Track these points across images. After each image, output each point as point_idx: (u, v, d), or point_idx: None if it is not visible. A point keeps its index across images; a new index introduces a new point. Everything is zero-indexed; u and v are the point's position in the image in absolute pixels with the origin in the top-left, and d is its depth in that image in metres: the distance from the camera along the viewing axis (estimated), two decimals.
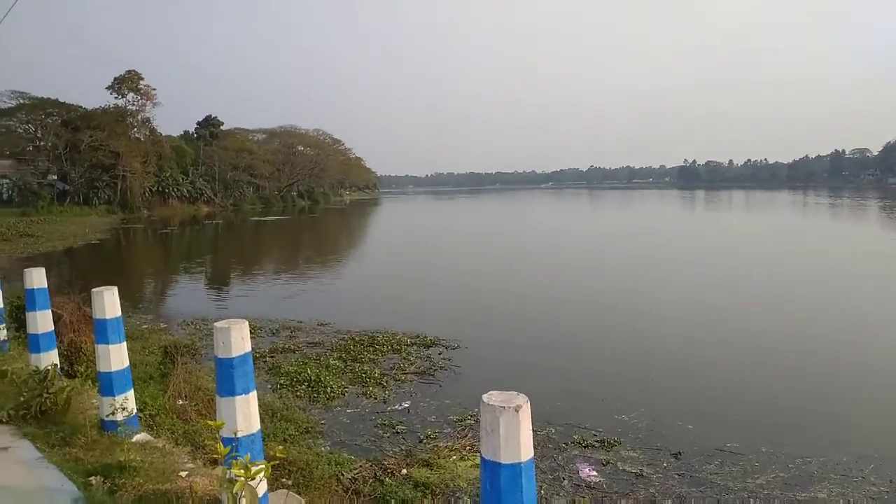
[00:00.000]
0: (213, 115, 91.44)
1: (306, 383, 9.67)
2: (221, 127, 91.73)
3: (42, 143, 67.49)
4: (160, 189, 74.32)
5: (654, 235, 38.06)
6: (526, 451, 1.80)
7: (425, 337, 12.40)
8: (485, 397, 1.86)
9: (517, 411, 1.79)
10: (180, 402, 7.29)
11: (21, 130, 69.96)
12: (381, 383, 9.72)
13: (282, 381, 9.62)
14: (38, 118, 67.52)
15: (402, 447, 7.32)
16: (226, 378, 2.90)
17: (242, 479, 2.20)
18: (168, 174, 75.08)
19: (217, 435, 2.56)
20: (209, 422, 2.69)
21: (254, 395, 3.00)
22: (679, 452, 7.18)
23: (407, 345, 11.93)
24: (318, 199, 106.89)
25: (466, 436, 7.62)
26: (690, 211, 70.08)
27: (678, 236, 37.90)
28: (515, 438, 1.79)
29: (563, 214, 67.42)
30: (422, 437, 7.67)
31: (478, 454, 7.13)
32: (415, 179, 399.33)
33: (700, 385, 9.88)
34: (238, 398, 2.88)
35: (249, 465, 2.23)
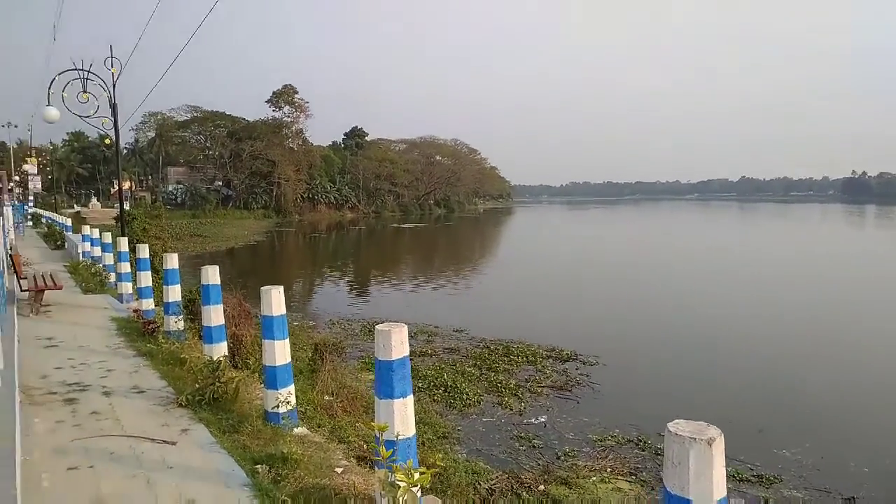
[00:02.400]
0: (358, 127, 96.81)
1: (443, 388, 9.81)
2: (366, 137, 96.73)
3: (210, 153, 75.21)
4: (310, 195, 79.68)
5: (824, 256, 34.51)
6: (719, 490, 1.64)
7: (561, 350, 12.14)
8: (671, 426, 1.72)
9: (710, 444, 1.63)
10: (327, 398, 7.67)
11: (194, 141, 78.62)
12: (516, 394, 9.63)
13: (419, 385, 9.81)
14: (208, 130, 75.40)
15: (539, 462, 7.18)
16: (385, 380, 2.97)
17: (405, 484, 2.22)
18: (318, 182, 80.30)
19: (380, 437, 2.62)
20: (372, 423, 2.77)
21: (411, 398, 3.04)
22: (853, 498, 6.39)
23: (543, 357, 11.74)
24: (454, 208, 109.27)
25: (607, 457, 7.32)
26: (860, 229, 62.72)
27: (853, 259, 33.46)
28: (707, 475, 1.63)
29: (711, 228, 63.27)
30: (559, 453, 7.48)
31: (619, 477, 6.84)
32: (549, 189, 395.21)
33: (877, 424, 8.76)
34: (396, 401, 2.94)
35: (413, 472, 2.24)
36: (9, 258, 9.86)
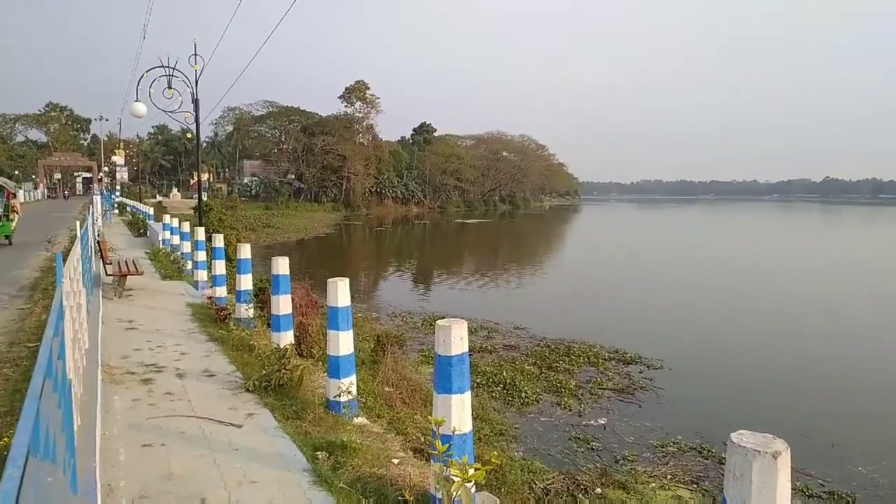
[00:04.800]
0: (427, 122, 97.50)
1: (501, 385, 9.80)
2: (434, 133, 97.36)
3: (284, 147, 77.52)
4: (378, 190, 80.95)
5: None
6: None
7: (625, 353, 11.88)
8: (734, 437, 1.67)
9: (774, 458, 1.57)
10: (387, 389, 7.80)
11: (269, 135, 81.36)
12: (576, 395, 9.51)
13: (478, 381, 9.82)
14: (283, 124, 77.84)
15: (597, 464, 7.07)
16: (444, 375, 3.00)
17: (459, 479, 2.24)
18: (385, 176, 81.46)
19: (437, 431, 2.65)
20: (429, 417, 2.81)
21: (468, 395, 3.07)
22: None
23: (605, 359, 11.53)
24: (519, 204, 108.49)
25: (668, 464, 7.14)
26: None
27: None
28: (770, 489, 1.57)
29: (793, 232, 60.27)
30: (618, 457, 7.34)
31: (680, 485, 6.65)
32: (619, 186, 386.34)
33: None
34: (454, 396, 2.97)
35: (468, 467, 2.26)
36: (96, 244, 10.52)
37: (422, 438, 5.80)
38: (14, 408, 4.96)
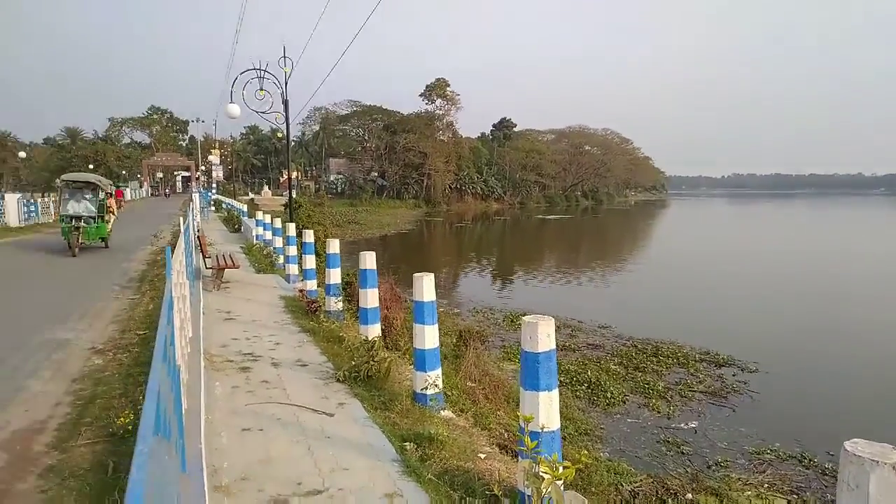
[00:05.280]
0: (507, 118, 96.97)
1: (586, 384, 9.64)
2: (514, 128, 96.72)
3: (368, 145, 79.36)
4: (458, 186, 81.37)
5: None
6: None
7: (717, 354, 11.39)
8: (848, 445, 1.56)
9: (894, 469, 1.46)
10: (470, 384, 7.85)
11: (353, 134, 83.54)
12: (665, 397, 9.21)
13: (562, 379, 9.68)
14: (366, 123, 79.67)
15: (688, 469, 6.82)
16: (531, 372, 2.98)
17: (549, 476, 2.23)
18: (465, 173, 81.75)
19: (525, 427, 2.64)
20: (518, 413, 2.80)
21: (556, 392, 3.04)
22: None
23: (695, 360, 11.10)
24: (602, 200, 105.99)
25: (765, 471, 6.79)
26: None
27: None
28: (889, 502, 1.47)
29: None
30: (710, 462, 7.06)
31: (778, 495, 6.31)
32: (709, 180, 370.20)
33: None
34: (542, 394, 2.94)
35: (557, 465, 2.24)
36: (196, 239, 11.16)
37: (505, 434, 5.79)
38: (127, 390, 5.36)
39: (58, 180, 17.18)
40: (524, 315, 3.29)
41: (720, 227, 58.97)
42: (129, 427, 4.33)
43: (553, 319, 3.14)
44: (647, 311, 16.65)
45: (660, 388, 9.55)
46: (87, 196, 15.22)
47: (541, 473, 2.34)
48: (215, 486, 3.37)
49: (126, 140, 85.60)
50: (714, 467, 6.92)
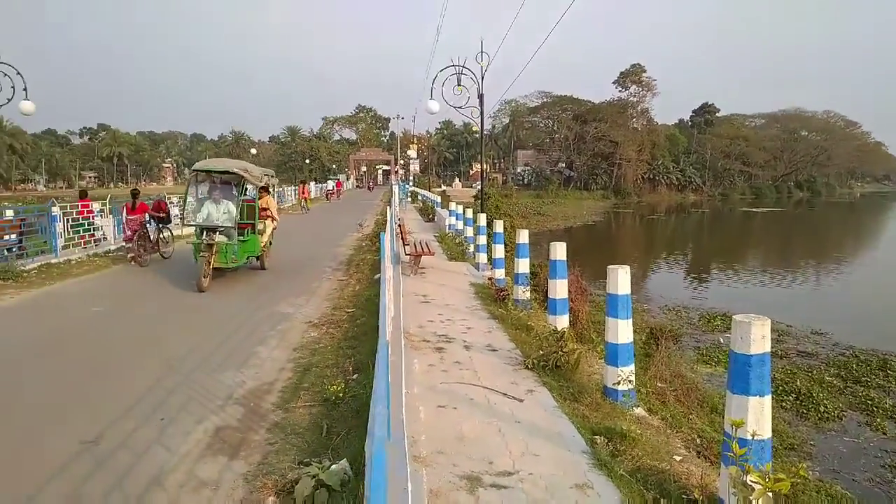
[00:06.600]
0: (709, 103, 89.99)
1: (794, 395, 8.78)
2: (717, 114, 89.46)
3: (556, 135, 78.71)
4: (651, 176, 77.50)
5: None
6: None
7: None
8: None
9: None
10: (660, 385, 7.49)
11: (542, 125, 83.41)
12: (893, 417, 8.03)
13: None
14: (556, 114, 78.97)
15: None
16: (740, 375, 2.79)
17: (761, 487, 2.08)
18: (660, 162, 77.57)
19: (733, 433, 2.48)
20: (726, 417, 2.64)
21: (769, 398, 2.80)
22: None
23: None
24: (820, 191, 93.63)
25: None
26: None
27: None
28: None
29: None
30: None
31: None
32: None
33: None
34: (752, 399, 2.74)
35: (771, 476, 2.08)
36: (397, 227, 11.98)
37: (698, 440, 5.45)
38: (338, 361, 5.97)
39: (187, 171, 12.51)
40: (725, 314, 3.06)
41: None
42: (340, 395, 4.83)
43: (769, 320, 2.91)
44: (873, 320, 14.53)
45: (887, 405, 8.38)
46: (227, 195, 10.19)
47: (750, 482, 2.19)
48: (414, 457, 3.63)
49: (336, 137, 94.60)
50: None
